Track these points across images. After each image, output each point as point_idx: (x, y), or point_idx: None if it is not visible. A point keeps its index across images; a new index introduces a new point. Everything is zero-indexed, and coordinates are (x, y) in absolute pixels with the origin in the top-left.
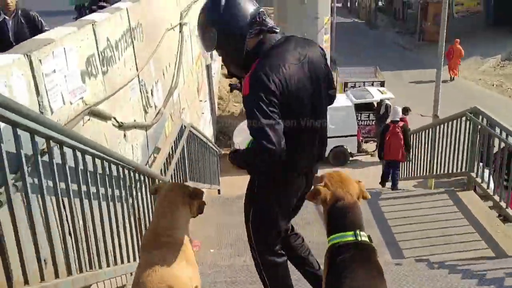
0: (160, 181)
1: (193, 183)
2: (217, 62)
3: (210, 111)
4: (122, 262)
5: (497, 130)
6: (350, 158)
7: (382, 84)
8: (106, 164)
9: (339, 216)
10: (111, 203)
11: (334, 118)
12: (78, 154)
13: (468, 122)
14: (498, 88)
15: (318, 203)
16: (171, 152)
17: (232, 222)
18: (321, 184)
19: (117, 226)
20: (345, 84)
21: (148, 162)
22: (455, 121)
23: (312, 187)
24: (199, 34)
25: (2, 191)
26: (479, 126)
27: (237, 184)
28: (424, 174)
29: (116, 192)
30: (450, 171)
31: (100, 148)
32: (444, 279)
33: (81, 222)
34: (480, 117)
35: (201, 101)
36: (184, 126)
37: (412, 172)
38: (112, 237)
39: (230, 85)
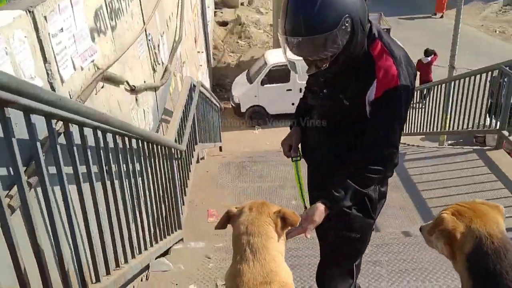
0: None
1: (201, 144)
2: (210, 9)
3: (206, 62)
4: (146, 248)
5: None
6: None
7: (388, 31)
8: (128, 140)
9: (489, 268)
10: (132, 180)
11: None
12: (99, 133)
13: (501, 76)
14: (501, 35)
15: (439, 240)
16: (183, 116)
17: (248, 189)
18: (445, 212)
19: (139, 206)
20: None
21: (160, 127)
22: (483, 75)
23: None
24: (312, 32)
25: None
26: None
27: (236, 139)
28: (441, 129)
29: (137, 168)
30: (475, 128)
31: (124, 126)
32: None
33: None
34: None
35: (198, 52)
36: (194, 84)
37: (428, 127)
38: (136, 221)
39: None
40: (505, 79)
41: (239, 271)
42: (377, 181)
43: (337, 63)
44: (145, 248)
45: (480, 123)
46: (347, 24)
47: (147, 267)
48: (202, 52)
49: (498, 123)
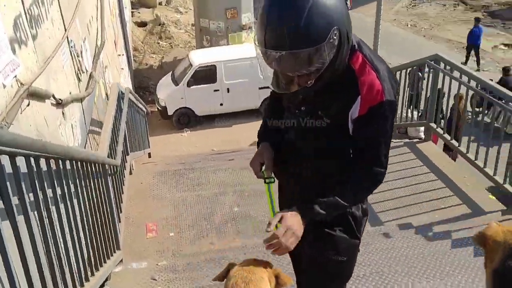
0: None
1: (133, 154)
2: (127, 10)
3: (127, 64)
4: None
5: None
6: None
7: None
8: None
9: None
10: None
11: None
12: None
13: (429, 70)
14: (413, 28)
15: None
16: (113, 127)
17: (188, 198)
18: (491, 222)
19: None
20: None
21: (87, 140)
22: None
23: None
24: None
25: None
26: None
27: (164, 143)
28: None
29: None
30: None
31: (63, 150)
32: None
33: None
34: (442, 64)
35: (119, 55)
36: (122, 92)
37: None
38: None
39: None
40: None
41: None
42: (363, 199)
43: (322, 79)
44: (86, 280)
45: (403, 115)
46: (335, 37)
47: None
48: (123, 54)
49: (427, 115)
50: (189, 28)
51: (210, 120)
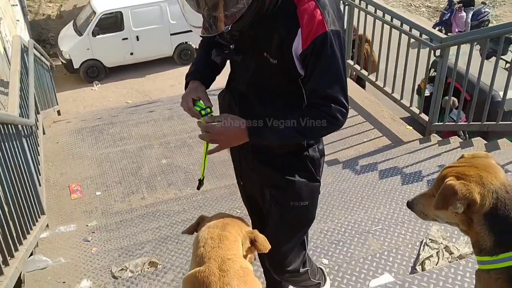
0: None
1: (43, 112)
2: None
3: (23, 16)
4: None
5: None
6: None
7: None
8: None
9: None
10: None
11: (174, 12)
12: None
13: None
14: None
15: (459, 209)
16: (21, 84)
17: (111, 154)
18: (450, 179)
19: None
20: None
21: None
22: None
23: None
24: None
25: None
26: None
27: (73, 99)
28: None
29: None
30: None
31: None
32: (356, 176)
33: None
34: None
35: (13, 5)
36: (25, 45)
37: None
38: None
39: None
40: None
41: (203, 283)
42: (317, 137)
43: (244, 18)
44: (16, 250)
45: None
46: None
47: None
48: (16, 5)
49: None
50: None
51: (121, 71)
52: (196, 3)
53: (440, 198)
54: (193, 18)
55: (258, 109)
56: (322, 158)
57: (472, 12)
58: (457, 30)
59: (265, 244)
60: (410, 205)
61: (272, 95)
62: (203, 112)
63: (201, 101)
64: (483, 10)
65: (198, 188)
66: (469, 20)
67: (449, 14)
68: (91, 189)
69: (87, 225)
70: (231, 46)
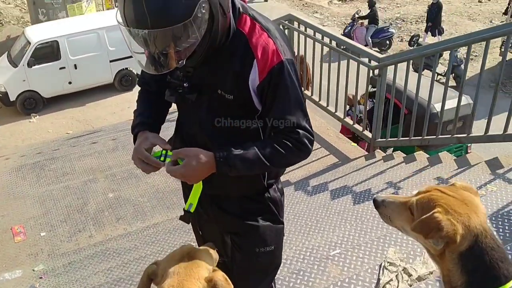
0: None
1: None
2: None
3: None
4: None
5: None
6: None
7: None
8: None
9: (485, 263)
10: None
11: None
12: None
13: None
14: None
15: (437, 245)
16: None
17: (54, 191)
18: (435, 211)
19: None
20: None
21: None
22: None
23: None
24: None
25: None
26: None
27: (10, 133)
28: None
29: None
30: None
31: None
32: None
33: None
34: (296, 23)
35: None
36: None
37: None
38: None
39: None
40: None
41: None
42: (283, 164)
43: (195, 54)
44: None
45: None
46: (203, 11)
47: None
48: None
49: None
50: (19, 1)
51: (59, 101)
52: (144, 41)
53: (421, 225)
54: (138, 49)
55: (211, 146)
56: (282, 197)
57: (374, 29)
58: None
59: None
60: (377, 204)
61: (227, 134)
62: (162, 159)
63: (156, 147)
64: (386, 30)
65: (182, 219)
66: (369, 37)
67: (349, 28)
68: (35, 230)
69: (33, 270)
70: (184, 85)
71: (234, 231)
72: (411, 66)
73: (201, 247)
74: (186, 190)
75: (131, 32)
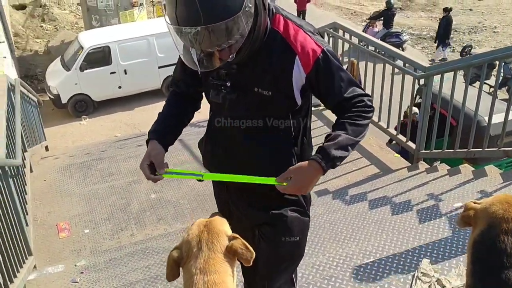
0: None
1: (31, 149)
2: None
3: (10, 52)
4: None
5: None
6: None
7: None
8: None
9: (488, 257)
10: None
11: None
12: None
13: (328, 38)
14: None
15: (461, 224)
16: (7, 124)
17: (100, 190)
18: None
19: None
20: (165, 6)
21: None
22: None
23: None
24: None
25: None
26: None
27: (61, 134)
28: None
29: None
30: None
31: None
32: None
33: None
34: (340, 31)
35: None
36: (11, 84)
37: None
38: None
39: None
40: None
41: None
42: (366, 127)
43: (242, 50)
44: None
45: None
46: (250, 5)
47: None
48: (3, 42)
49: None
50: (74, 8)
51: (109, 104)
52: (194, 39)
53: (463, 217)
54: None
55: (245, 145)
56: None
57: (384, 33)
58: None
59: (246, 254)
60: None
61: (263, 131)
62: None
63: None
64: (396, 35)
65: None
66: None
67: (365, 28)
68: (79, 227)
69: (75, 265)
70: (227, 84)
71: (264, 222)
72: (462, 77)
73: (213, 217)
74: (224, 209)
75: (181, 31)
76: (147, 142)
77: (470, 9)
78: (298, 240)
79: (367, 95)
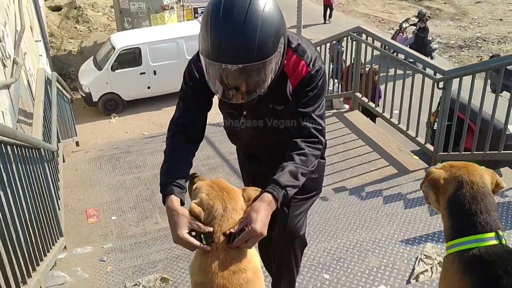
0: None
1: (63, 141)
2: None
3: (45, 51)
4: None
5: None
6: None
7: None
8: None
9: (466, 210)
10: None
11: (190, 48)
12: None
13: (352, 42)
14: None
15: (428, 190)
16: (45, 113)
17: (127, 181)
18: (435, 167)
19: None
20: (195, 10)
21: (18, 129)
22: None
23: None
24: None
25: None
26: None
27: (91, 131)
28: None
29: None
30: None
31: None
32: (361, 201)
33: None
34: (364, 35)
35: (36, 41)
36: (48, 77)
37: None
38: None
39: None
40: (352, 45)
41: (210, 263)
42: (317, 158)
43: (265, 85)
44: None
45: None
46: (282, 46)
47: None
48: (40, 40)
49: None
50: (107, 10)
51: (138, 104)
52: (227, 75)
53: (423, 179)
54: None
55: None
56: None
57: (414, 40)
58: None
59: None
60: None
61: (276, 132)
62: (208, 241)
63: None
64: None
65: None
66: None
67: (394, 34)
68: (107, 214)
69: (102, 247)
70: (244, 113)
71: None
72: (488, 86)
73: (217, 179)
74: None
75: (221, 68)
76: (164, 197)
77: (500, 19)
78: (317, 177)
79: (316, 118)
